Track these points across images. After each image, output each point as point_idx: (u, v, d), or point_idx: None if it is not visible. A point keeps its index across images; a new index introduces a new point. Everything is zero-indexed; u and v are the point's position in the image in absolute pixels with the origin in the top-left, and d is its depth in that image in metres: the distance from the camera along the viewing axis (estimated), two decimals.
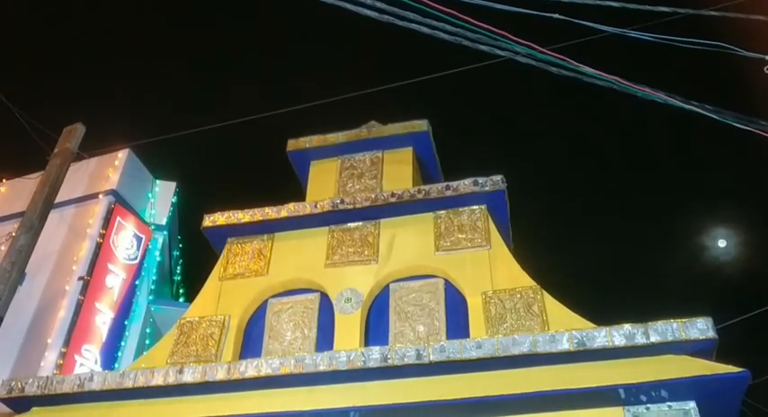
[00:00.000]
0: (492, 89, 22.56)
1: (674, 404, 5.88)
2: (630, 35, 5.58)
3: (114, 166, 13.50)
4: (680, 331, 6.05)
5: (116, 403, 7.08)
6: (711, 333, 6.03)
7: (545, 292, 7.22)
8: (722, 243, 17.60)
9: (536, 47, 5.53)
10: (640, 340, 6.08)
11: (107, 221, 12.58)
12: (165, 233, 14.08)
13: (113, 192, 13.05)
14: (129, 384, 7.03)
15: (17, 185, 13.48)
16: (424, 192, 8.38)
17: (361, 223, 8.52)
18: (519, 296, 7.23)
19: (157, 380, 6.97)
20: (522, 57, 5.69)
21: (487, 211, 8.21)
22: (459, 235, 8.06)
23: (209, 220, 8.93)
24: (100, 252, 12.19)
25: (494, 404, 6.12)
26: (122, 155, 13.66)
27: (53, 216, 9.01)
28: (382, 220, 8.49)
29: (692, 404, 5.86)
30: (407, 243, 8.21)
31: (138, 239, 13.13)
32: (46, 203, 7.84)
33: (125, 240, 12.78)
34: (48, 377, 7.48)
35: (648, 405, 5.93)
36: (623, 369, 5.99)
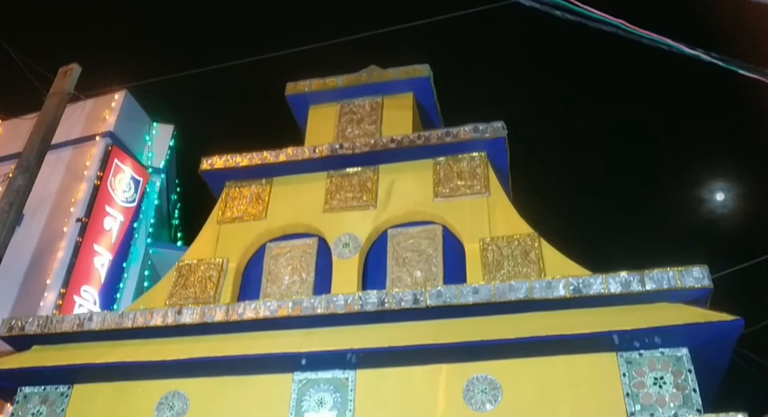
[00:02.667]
0: (496, 33, 22.18)
1: (667, 351, 5.94)
2: None
3: (111, 108, 13.38)
4: (676, 279, 6.07)
5: (115, 342, 7.14)
6: (707, 282, 6.05)
7: (542, 240, 7.23)
8: (720, 196, 17.65)
9: None
10: (636, 287, 6.11)
11: (104, 163, 12.55)
12: (162, 176, 14.07)
13: (110, 134, 12.98)
14: (128, 324, 7.09)
15: (13, 126, 13.40)
16: (423, 138, 8.31)
17: (359, 168, 8.48)
18: (516, 243, 7.24)
19: (156, 321, 7.03)
20: (526, 0, 5.57)
21: (487, 158, 8.16)
22: (459, 182, 8.03)
23: (207, 163, 8.88)
24: (97, 195, 12.21)
25: (489, 349, 6.19)
26: (119, 97, 13.53)
27: (50, 157, 8.98)
28: (381, 166, 8.44)
29: (684, 351, 5.92)
30: (406, 189, 8.18)
31: (136, 182, 13.12)
32: (42, 144, 7.79)
33: (123, 182, 12.76)
34: (47, 316, 7.53)
35: (641, 351, 6.00)
36: (618, 316, 6.03)
